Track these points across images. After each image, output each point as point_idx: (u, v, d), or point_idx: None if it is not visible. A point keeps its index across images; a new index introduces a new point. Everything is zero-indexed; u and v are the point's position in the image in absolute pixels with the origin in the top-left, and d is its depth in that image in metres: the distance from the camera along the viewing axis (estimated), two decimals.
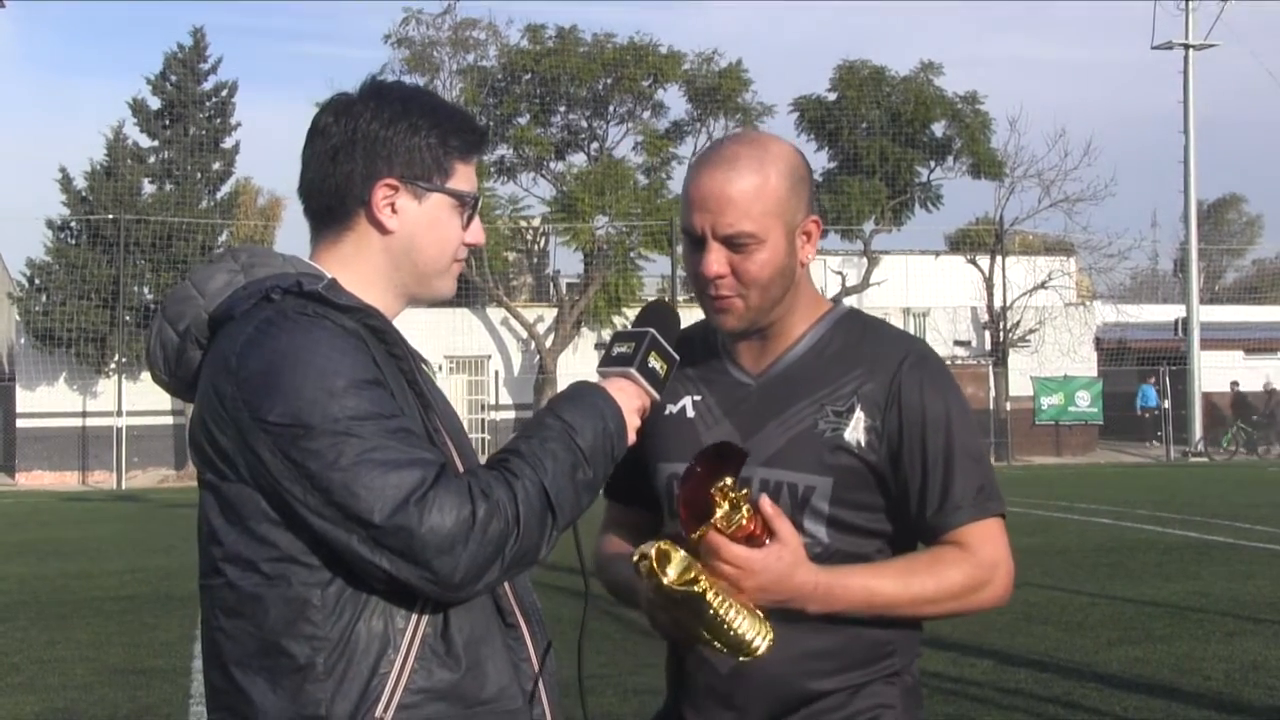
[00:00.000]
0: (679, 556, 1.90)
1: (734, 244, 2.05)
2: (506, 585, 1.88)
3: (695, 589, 1.90)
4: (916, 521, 2.09)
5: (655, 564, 1.90)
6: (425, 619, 1.79)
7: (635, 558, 1.92)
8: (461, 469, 1.83)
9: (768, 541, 1.95)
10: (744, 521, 1.92)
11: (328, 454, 1.69)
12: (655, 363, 1.98)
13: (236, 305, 1.83)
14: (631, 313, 32.16)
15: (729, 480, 1.90)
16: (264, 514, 1.76)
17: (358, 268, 1.92)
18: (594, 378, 2.00)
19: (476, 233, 1.99)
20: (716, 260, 2.06)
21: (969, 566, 2.06)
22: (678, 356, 2.02)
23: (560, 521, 1.80)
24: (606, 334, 32.69)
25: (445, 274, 1.97)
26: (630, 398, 1.94)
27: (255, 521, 1.77)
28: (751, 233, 2.04)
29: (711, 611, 1.92)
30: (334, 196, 1.91)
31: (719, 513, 1.90)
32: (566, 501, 1.80)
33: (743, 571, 1.92)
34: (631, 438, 1.94)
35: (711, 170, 2.07)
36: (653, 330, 1.99)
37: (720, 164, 2.07)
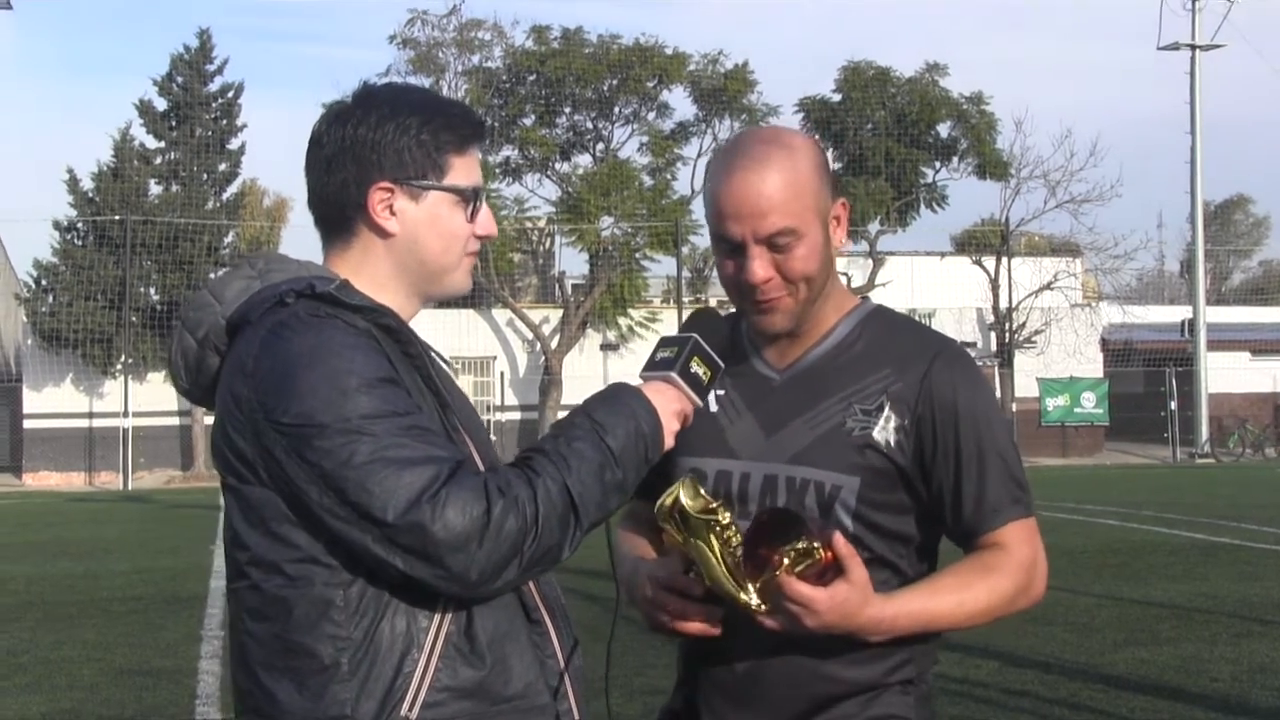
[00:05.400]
0: (701, 491, 1.93)
1: (775, 244, 2.02)
2: (530, 582, 1.86)
3: (716, 517, 1.91)
4: (953, 523, 2.06)
5: (679, 494, 1.91)
6: (448, 617, 1.78)
7: (656, 506, 1.94)
8: (482, 467, 1.83)
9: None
10: (819, 559, 1.91)
11: (341, 453, 1.69)
12: (698, 368, 1.94)
13: (252, 310, 1.84)
14: (636, 314, 32.23)
15: (801, 545, 1.89)
16: (284, 516, 1.77)
17: (368, 272, 1.91)
18: (610, 380, 1.98)
19: (486, 223, 1.96)
20: (761, 265, 2.02)
21: (1013, 570, 2.04)
22: (722, 364, 1.99)
23: (584, 522, 1.77)
24: (612, 335, 32.71)
25: (457, 269, 1.95)
26: (669, 401, 1.90)
27: (276, 524, 1.77)
28: (793, 228, 2.00)
29: (731, 545, 1.91)
30: (333, 205, 1.91)
31: (786, 561, 1.89)
32: (591, 502, 1.77)
33: (805, 610, 1.90)
34: (669, 442, 1.90)
35: (743, 174, 2.01)
36: (696, 335, 1.96)
37: (750, 165, 2.01)
